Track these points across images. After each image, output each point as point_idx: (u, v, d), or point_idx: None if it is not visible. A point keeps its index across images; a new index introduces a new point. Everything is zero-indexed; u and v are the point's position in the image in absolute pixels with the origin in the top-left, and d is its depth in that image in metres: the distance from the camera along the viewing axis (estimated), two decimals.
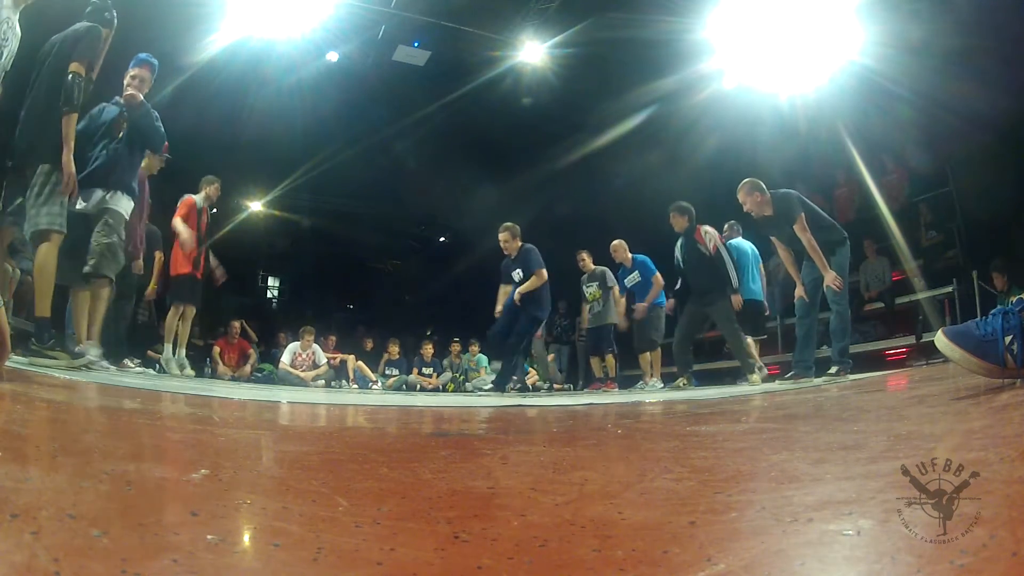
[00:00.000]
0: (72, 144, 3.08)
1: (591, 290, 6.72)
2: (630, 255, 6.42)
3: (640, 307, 6.25)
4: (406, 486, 0.87)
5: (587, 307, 6.85)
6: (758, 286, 5.90)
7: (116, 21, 3.38)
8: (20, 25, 2.81)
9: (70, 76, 3.07)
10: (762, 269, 6.03)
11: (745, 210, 4.60)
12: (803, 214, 4.37)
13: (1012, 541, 0.48)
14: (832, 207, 7.43)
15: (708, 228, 5.44)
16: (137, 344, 5.47)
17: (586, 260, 6.81)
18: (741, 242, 5.96)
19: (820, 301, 4.52)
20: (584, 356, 8.21)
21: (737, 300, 5.37)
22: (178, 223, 5.31)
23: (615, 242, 6.48)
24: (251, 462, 1.07)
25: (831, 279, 4.27)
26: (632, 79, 7.83)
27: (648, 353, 6.31)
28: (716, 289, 5.29)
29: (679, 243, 5.55)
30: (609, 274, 6.70)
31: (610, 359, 6.66)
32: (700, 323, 5.64)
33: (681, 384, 5.21)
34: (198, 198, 5.51)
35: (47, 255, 3.05)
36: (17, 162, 3.10)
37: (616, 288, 6.65)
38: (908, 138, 6.88)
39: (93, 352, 3.47)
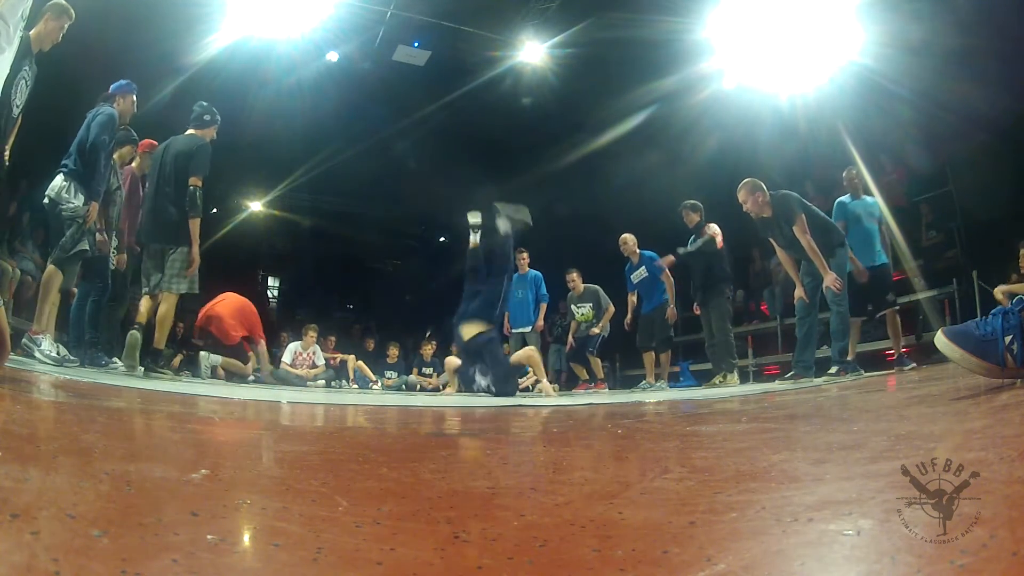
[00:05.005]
0: (198, 241, 3.99)
1: (583, 311, 6.57)
2: (638, 250, 6.26)
3: (671, 312, 6.06)
4: (406, 486, 0.87)
5: (576, 325, 6.71)
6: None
7: (219, 119, 4.32)
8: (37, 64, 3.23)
9: (191, 188, 3.93)
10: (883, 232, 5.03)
11: (745, 210, 4.59)
12: (803, 215, 4.34)
13: (1012, 541, 0.48)
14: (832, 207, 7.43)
15: (712, 225, 5.57)
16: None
17: (576, 281, 6.67)
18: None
19: (820, 301, 4.52)
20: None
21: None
22: None
23: (624, 235, 6.32)
24: (251, 462, 1.07)
25: (830, 280, 4.26)
26: (632, 79, 7.81)
27: (655, 353, 6.22)
28: (716, 285, 5.43)
29: (691, 239, 5.67)
30: (602, 294, 6.59)
31: (596, 361, 6.59)
32: None
33: (718, 381, 5.23)
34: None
35: (171, 309, 3.97)
36: (148, 238, 4.13)
37: (611, 308, 6.52)
38: (908, 138, 6.86)
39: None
